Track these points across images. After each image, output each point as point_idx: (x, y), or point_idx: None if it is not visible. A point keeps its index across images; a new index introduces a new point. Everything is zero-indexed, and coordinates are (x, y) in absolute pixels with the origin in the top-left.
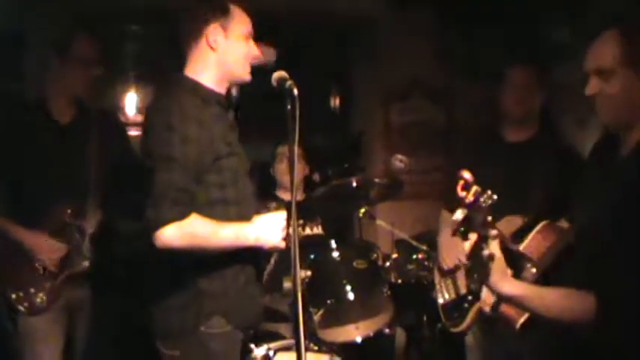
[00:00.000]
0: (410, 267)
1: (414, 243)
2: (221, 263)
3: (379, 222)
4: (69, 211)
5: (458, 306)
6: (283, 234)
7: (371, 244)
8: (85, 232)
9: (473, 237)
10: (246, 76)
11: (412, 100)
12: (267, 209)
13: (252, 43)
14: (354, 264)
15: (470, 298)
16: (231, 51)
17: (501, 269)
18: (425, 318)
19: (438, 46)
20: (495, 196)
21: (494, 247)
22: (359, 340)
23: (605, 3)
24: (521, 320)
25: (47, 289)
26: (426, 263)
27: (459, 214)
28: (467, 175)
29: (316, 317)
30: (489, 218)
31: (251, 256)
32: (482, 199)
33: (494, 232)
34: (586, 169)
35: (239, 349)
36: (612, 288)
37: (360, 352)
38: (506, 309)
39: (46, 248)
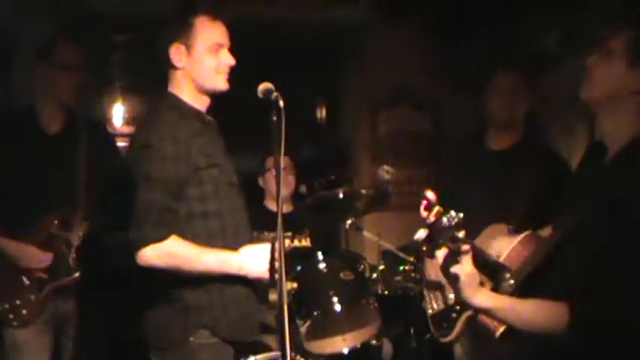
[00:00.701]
0: (397, 278)
1: (401, 254)
2: (207, 277)
3: (366, 233)
4: (56, 222)
5: (446, 316)
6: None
7: (357, 255)
8: (72, 244)
9: (442, 253)
10: (220, 86)
11: (399, 109)
12: (260, 240)
13: (222, 52)
14: (341, 275)
15: (458, 308)
16: (197, 66)
17: (473, 283)
18: (412, 329)
19: (425, 54)
20: (462, 215)
21: (466, 262)
22: (346, 351)
23: (594, 14)
24: (502, 329)
25: (33, 301)
26: (412, 274)
27: (421, 234)
28: (430, 195)
29: (303, 329)
30: (461, 234)
31: None
32: (445, 219)
33: (465, 247)
34: (574, 177)
35: None
36: (592, 296)
37: None
38: (485, 318)
39: (32, 258)
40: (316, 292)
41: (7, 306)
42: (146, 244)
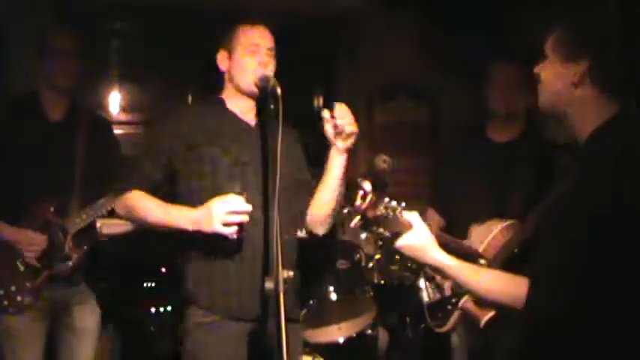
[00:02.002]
0: (393, 268)
1: None
2: (198, 251)
3: None
4: (52, 209)
5: (442, 306)
6: (226, 219)
7: (354, 244)
8: (68, 232)
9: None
10: (252, 87)
11: (396, 100)
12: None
13: (259, 56)
14: (337, 265)
15: (454, 299)
16: (236, 66)
17: (431, 243)
18: (408, 319)
19: (423, 45)
20: (394, 202)
21: (418, 226)
22: (341, 340)
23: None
24: (486, 318)
25: (28, 288)
26: (409, 264)
27: (355, 222)
28: (366, 185)
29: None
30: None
31: (236, 245)
32: (380, 207)
33: (412, 218)
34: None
35: (230, 341)
36: (542, 277)
37: (343, 352)
38: (471, 307)
39: (27, 241)
40: (312, 281)
41: (1, 292)
42: (112, 193)
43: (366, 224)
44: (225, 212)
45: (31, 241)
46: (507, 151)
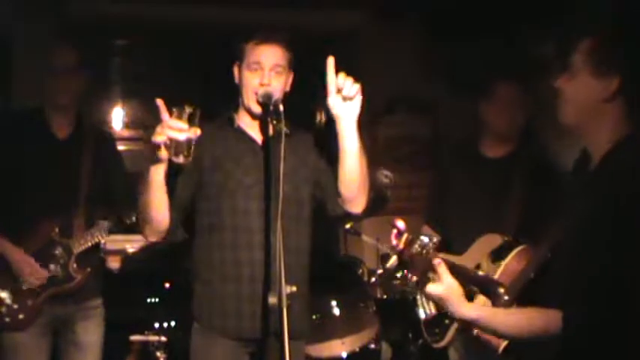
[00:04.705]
0: (395, 282)
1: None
2: (208, 272)
3: (364, 237)
4: (56, 229)
5: (439, 322)
6: (163, 137)
7: (356, 259)
8: (72, 252)
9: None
10: (251, 104)
11: (397, 114)
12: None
13: (260, 74)
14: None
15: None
16: (242, 83)
17: (455, 296)
18: (410, 333)
19: (424, 59)
20: (427, 239)
21: (443, 278)
22: (345, 355)
23: (588, 18)
24: (504, 344)
25: (30, 306)
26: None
27: (392, 261)
28: (400, 224)
29: None
30: (435, 261)
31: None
32: (415, 246)
33: (438, 267)
34: (567, 186)
35: (223, 355)
36: (577, 301)
37: None
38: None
39: (28, 272)
40: (315, 296)
41: (3, 310)
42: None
43: (402, 264)
44: (164, 129)
45: (32, 273)
46: (501, 167)
